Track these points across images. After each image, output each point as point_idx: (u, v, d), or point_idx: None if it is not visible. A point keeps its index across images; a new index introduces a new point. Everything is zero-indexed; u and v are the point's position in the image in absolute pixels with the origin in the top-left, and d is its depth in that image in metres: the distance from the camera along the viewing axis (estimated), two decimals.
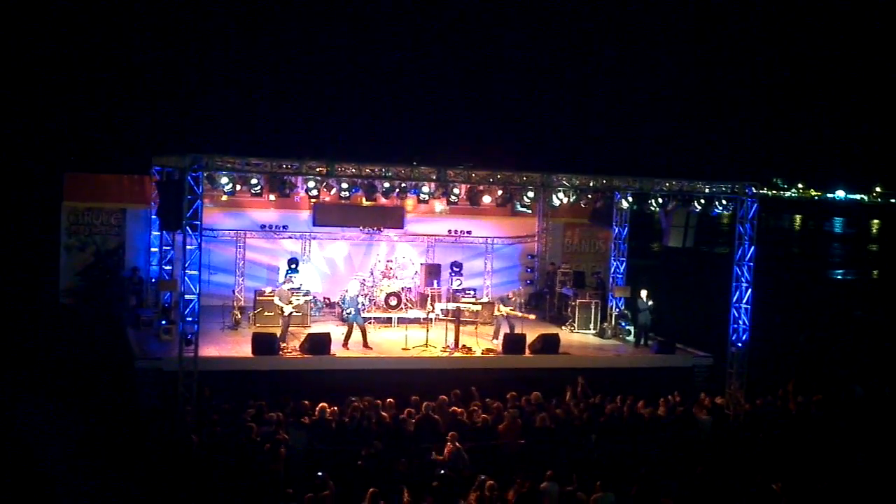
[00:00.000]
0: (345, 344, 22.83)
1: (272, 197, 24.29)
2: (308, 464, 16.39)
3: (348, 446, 16.74)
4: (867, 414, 21.39)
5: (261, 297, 24.66)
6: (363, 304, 24.02)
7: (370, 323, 25.00)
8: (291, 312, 22.92)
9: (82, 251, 26.73)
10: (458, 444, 16.74)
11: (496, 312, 24.48)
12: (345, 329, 23.81)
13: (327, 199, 24.35)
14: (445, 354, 22.86)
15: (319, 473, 15.57)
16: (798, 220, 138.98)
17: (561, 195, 23.07)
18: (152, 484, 15.82)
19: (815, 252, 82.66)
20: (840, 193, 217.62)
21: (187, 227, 18.90)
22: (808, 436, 19.90)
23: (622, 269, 27.20)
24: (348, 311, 23.11)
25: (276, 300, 23.29)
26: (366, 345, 22.98)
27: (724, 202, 22.79)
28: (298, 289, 25.31)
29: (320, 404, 18.07)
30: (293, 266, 26.78)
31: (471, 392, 19.99)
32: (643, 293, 25.17)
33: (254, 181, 21.20)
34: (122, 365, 21.76)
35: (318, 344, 21.88)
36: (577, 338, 26.10)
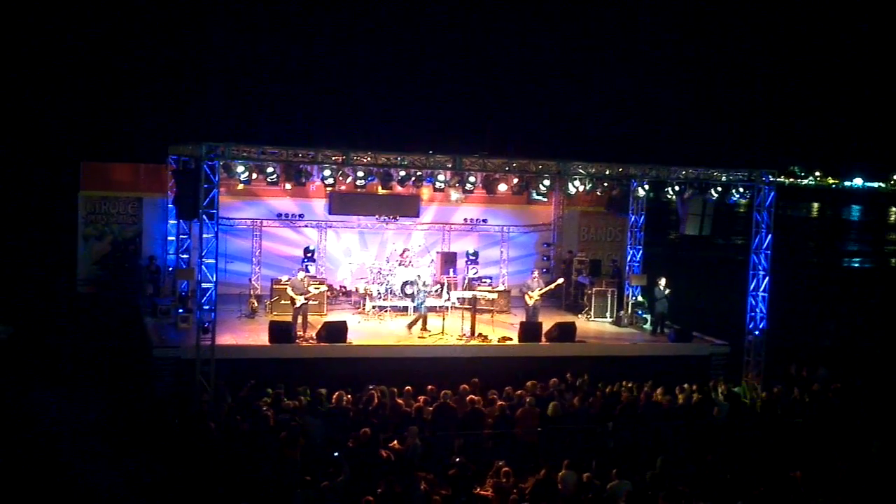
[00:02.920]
0: (410, 326, 23.42)
1: (288, 186, 24.30)
2: (325, 451, 16.45)
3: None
4: (882, 402, 21.32)
5: (277, 286, 24.71)
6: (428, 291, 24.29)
7: (387, 311, 25.14)
8: (304, 304, 22.90)
9: (100, 240, 26.80)
10: (417, 441, 16.67)
11: (528, 302, 24.41)
12: (360, 317, 24.85)
13: (343, 187, 24.36)
14: (462, 343, 22.88)
15: (336, 454, 15.67)
16: (815, 207, 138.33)
17: (577, 183, 23.04)
18: (170, 470, 15.90)
19: (832, 240, 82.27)
20: (858, 181, 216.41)
21: (204, 216, 18.95)
22: (824, 424, 19.84)
23: (638, 257, 27.15)
24: (419, 297, 23.55)
25: (290, 290, 23.28)
26: (424, 328, 23.41)
27: (740, 190, 22.73)
28: (315, 277, 25.43)
29: (337, 392, 18.13)
30: (309, 255, 26.84)
31: (486, 381, 19.98)
32: (661, 281, 25.11)
33: (270, 170, 21.23)
34: (140, 353, 21.86)
35: (335, 332, 21.91)
36: (594, 326, 26.07)
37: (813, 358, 24.44)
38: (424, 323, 23.49)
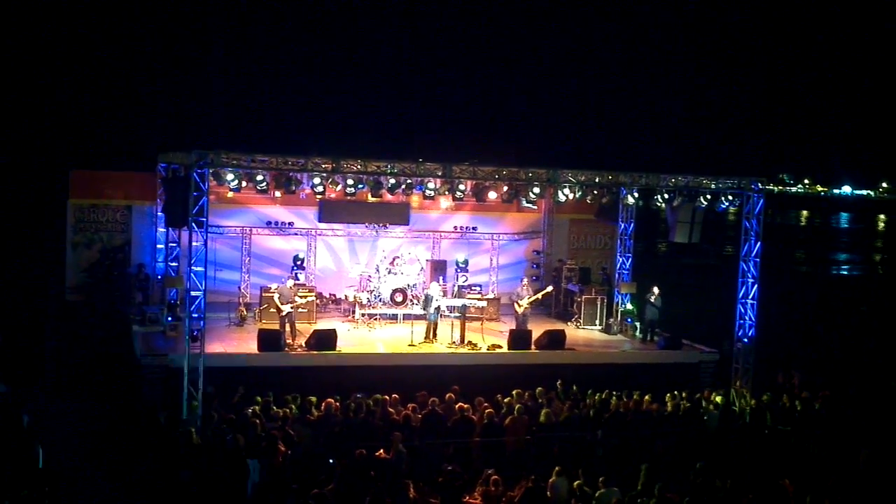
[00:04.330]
0: (430, 338, 23.43)
1: (278, 193, 24.29)
2: (313, 459, 16.42)
3: (354, 442, 16.72)
4: (871, 410, 21.36)
5: (266, 294, 24.66)
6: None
7: (376, 319, 25.13)
8: (290, 312, 22.86)
9: (88, 248, 26.71)
10: (401, 447, 16.63)
11: (518, 310, 24.44)
12: (350, 325, 24.98)
13: (333, 195, 24.34)
14: (451, 350, 22.87)
15: (331, 461, 15.65)
16: (804, 215, 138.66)
17: (567, 191, 23.00)
18: (157, 478, 15.85)
19: (821, 247, 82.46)
20: (846, 189, 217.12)
21: (193, 224, 18.91)
22: (813, 432, 19.87)
23: (628, 264, 27.18)
24: (431, 309, 23.51)
25: (276, 298, 23.23)
26: (428, 337, 23.47)
27: (730, 198, 22.77)
28: (304, 285, 25.41)
29: (326, 400, 18.09)
30: (298, 263, 26.80)
31: (475, 388, 19.95)
32: (654, 290, 25.13)
33: (259, 178, 21.19)
34: (129, 361, 21.79)
35: (324, 340, 21.89)
36: (583, 333, 26.09)
37: (803, 366, 24.50)
38: (432, 332, 23.55)
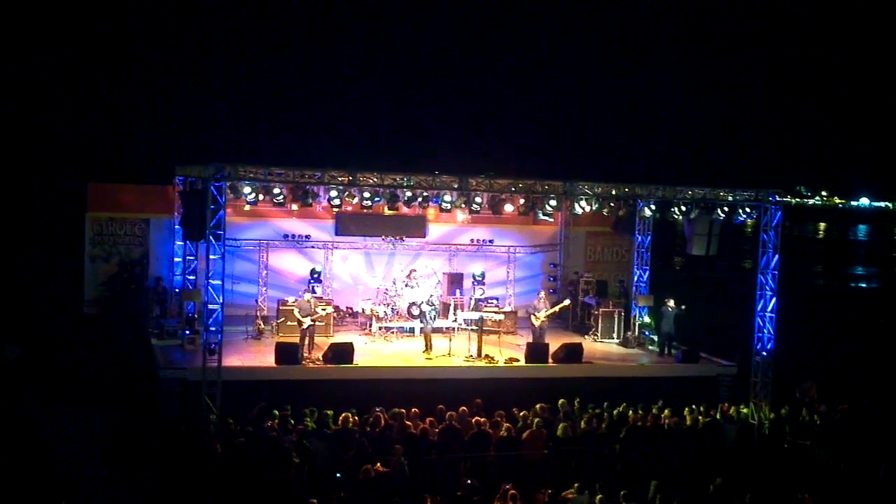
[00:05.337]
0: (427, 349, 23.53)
1: (294, 206, 24.32)
2: (330, 473, 16.40)
3: (369, 457, 16.69)
4: (890, 423, 21.22)
5: (283, 307, 24.69)
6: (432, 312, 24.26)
7: (393, 332, 25.11)
8: (310, 325, 22.88)
9: (106, 261, 26.81)
10: (402, 460, 16.54)
11: (535, 323, 24.37)
12: (367, 339, 24.88)
13: (349, 208, 24.36)
14: (468, 364, 22.83)
15: (338, 475, 15.61)
16: (822, 227, 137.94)
17: (583, 203, 22.99)
18: (174, 492, 15.87)
19: (839, 260, 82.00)
20: (864, 201, 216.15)
21: (210, 237, 18.95)
22: (832, 445, 19.75)
23: (645, 277, 27.09)
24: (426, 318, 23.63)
25: (296, 312, 23.26)
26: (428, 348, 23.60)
27: (747, 210, 22.70)
28: (321, 298, 25.42)
29: (343, 414, 18.07)
30: (315, 276, 26.81)
31: (493, 402, 19.91)
32: (669, 302, 25.03)
33: (276, 191, 21.26)
34: (147, 374, 21.83)
35: (341, 353, 21.89)
36: (601, 347, 26.01)
37: (821, 379, 24.36)
38: (426, 343, 23.63)
